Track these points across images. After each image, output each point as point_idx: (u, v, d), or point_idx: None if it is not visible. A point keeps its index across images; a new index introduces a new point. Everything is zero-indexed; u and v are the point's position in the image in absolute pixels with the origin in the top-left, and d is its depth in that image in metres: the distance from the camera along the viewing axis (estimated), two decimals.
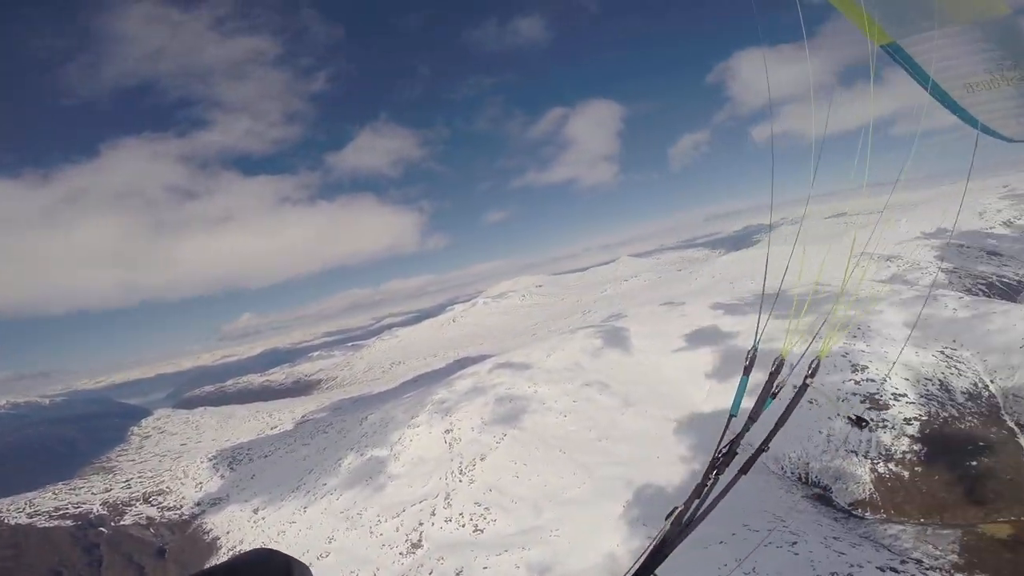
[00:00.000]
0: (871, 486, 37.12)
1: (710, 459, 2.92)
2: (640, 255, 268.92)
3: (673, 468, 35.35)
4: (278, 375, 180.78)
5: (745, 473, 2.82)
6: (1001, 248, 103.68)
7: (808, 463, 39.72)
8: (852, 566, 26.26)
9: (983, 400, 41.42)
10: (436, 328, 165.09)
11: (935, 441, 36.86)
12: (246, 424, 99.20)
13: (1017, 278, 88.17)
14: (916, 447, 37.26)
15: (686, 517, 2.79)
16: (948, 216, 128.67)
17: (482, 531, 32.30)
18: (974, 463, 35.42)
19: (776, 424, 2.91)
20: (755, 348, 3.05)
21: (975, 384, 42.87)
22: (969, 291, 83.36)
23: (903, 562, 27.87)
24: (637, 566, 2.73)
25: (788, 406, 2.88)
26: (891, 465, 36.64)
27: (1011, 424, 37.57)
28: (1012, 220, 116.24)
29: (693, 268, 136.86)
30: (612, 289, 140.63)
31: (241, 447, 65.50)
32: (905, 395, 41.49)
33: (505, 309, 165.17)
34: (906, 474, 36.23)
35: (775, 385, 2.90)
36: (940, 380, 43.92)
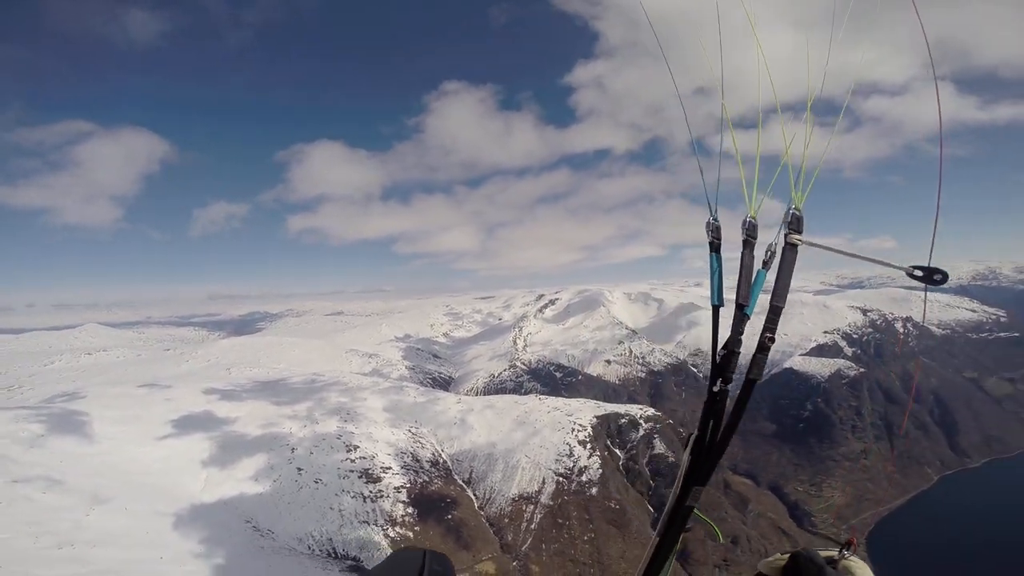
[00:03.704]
0: (391, 550, 40.78)
1: (711, 368, 2.30)
2: (118, 325, 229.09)
3: (188, 567, 31.91)
4: None
5: (759, 378, 2.10)
6: (441, 352, 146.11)
7: (331, 539, 42.18)
8: None
9: (441, 465, 53.19)
10: None
11: (421, 503, 45.24)
12: None
13: (450, 374, 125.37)
14: (410, 510, 44.94)
15: (707, 441, 2.35)
16: (414, 325, 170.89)
17: None
18: (450, 516, 45.07)
19: (776, 297, 2.20)
20: (715, 218, 2.42)
21: (434, 453, 54.80)
22: (422, 383, 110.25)
23: None
24: (663, 524, 2.40)
25: (780, 274, 2.20)
26: (398, 528, 42.64)
27: (460, 481, 50.04)
28: (448, 332, 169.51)
29: (185, 349, 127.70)
30: (65, 362, 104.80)
31: None
32: (391, 467, 48.29)
33: None
34: (411, 534, 43.28)
35: (766, 252, 2.28)
36: (412, 452, 53.70)
